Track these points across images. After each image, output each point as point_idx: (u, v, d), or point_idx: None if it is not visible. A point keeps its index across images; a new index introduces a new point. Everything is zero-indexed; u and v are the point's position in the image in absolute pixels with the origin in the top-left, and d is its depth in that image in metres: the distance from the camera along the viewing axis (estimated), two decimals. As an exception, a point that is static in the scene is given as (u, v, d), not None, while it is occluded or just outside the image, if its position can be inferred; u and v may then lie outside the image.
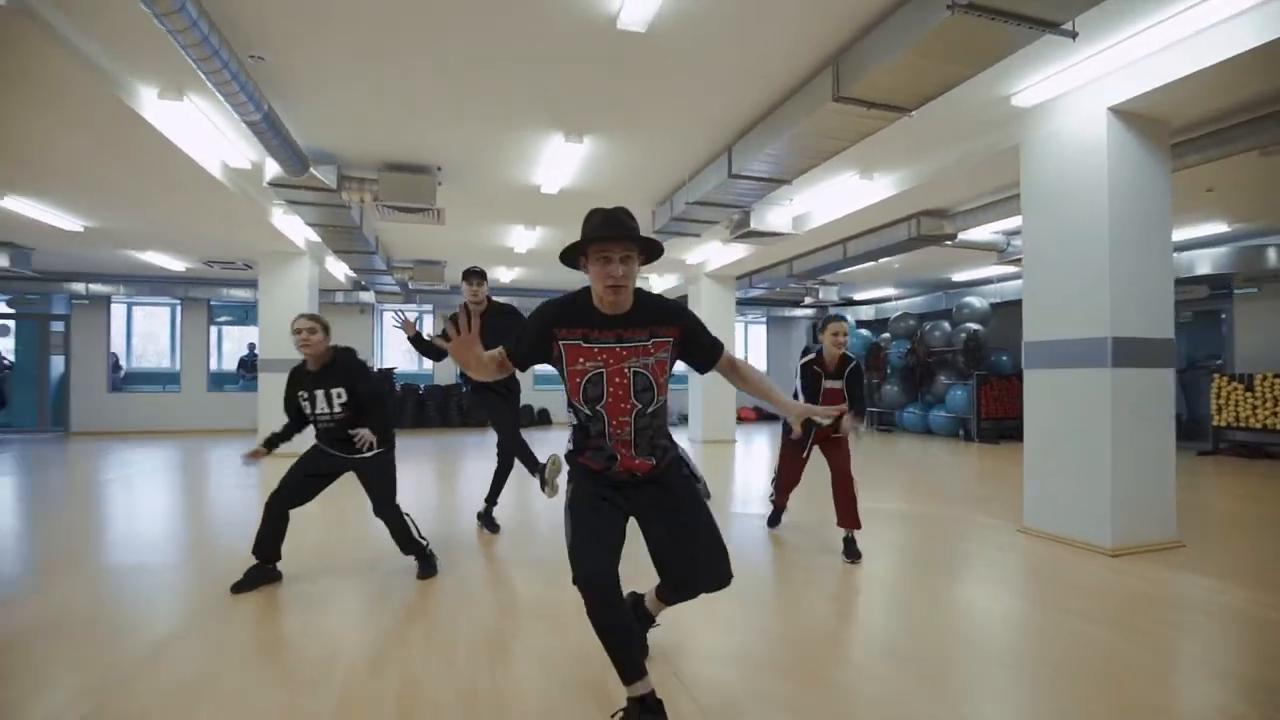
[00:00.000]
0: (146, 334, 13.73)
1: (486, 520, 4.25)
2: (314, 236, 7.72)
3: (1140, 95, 3.52)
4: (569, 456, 2.03)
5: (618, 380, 1.88)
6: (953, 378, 10.67)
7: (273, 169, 4.97)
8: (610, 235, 1.81)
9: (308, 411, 3.12)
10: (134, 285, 11.09)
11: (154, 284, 11.13)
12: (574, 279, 11.43)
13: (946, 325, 10.97)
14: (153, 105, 3.97)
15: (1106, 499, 3.60)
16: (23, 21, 2.91)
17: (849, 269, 9.34)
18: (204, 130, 4.53)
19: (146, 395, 11.82)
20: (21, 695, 2.10)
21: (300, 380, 3.13)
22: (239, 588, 3.04)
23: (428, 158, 5.29)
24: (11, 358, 11.77)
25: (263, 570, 3.13)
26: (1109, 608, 2.82)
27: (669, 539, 1.94)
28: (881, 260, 8.79)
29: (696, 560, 1.93)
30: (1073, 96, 3.85)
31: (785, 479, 4.03)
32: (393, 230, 7.96)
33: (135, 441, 9.91)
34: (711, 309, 9.80)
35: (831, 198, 6.30)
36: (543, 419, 13.08)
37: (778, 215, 6.34)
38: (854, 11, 3.14)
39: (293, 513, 3.14)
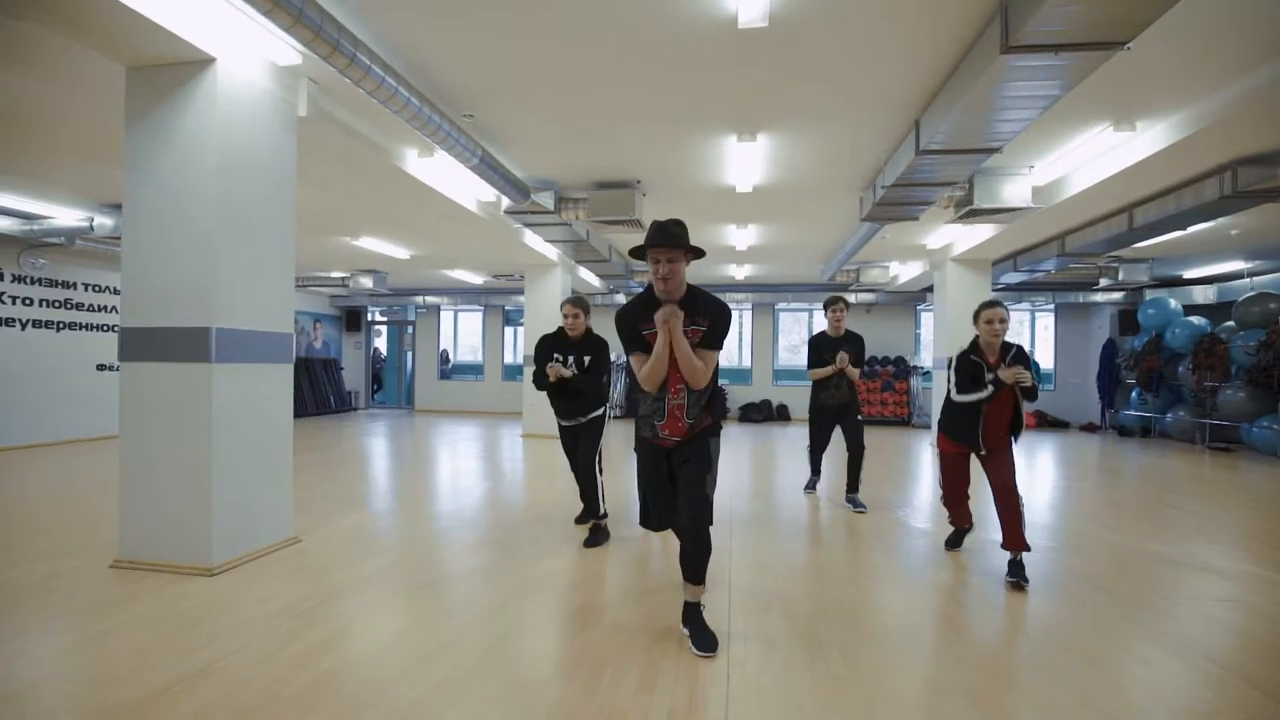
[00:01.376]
0: (468, 332, 17.34)
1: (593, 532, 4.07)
2: (560, 250, 8.95)
3: None
4: (636, 429, 2.72)
5: (673, 355, 2.50)
6: (1340, 381, 7.67)
7: (506, 200, 5.99)
8: (656, 242, 2.48)
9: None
10: (454, 296, 14.13)
11: (467, 295, 14.03)
12: (806, 274, 11.13)
13: (1330, 308, 7.92)
14: (414, 162, 5.15)
15: None
16: (326, 124, 4.10)
17: (1155, 240, 7.39)
18: (454, 176, 5.69)
19: (463, 383, 14.93)
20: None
21: (555, 345, 3.96)
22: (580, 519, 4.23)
23: (628, 173, 5.80)
24: (384, 353, 16.03)
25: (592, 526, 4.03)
26: None
27: (679, 486, 2.59)
28: (1199, 228, 6.81)
29: (683, 508, 2.53)
30: None
31: (949, 490, 3.61)
32: (623, 238, 8.79)
33: (453, 418, 12.66)
34: (961, 299, 8.65)
35: (1086, 159, 5.13)
36: (781, 414, 13.00)
37: (1012, 187, 5.39)
38: (1018, -54, 2.63)
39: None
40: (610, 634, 2.59)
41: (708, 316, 2.52)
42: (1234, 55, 3.55)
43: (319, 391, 13.32)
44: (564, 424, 4.08)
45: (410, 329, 15.16)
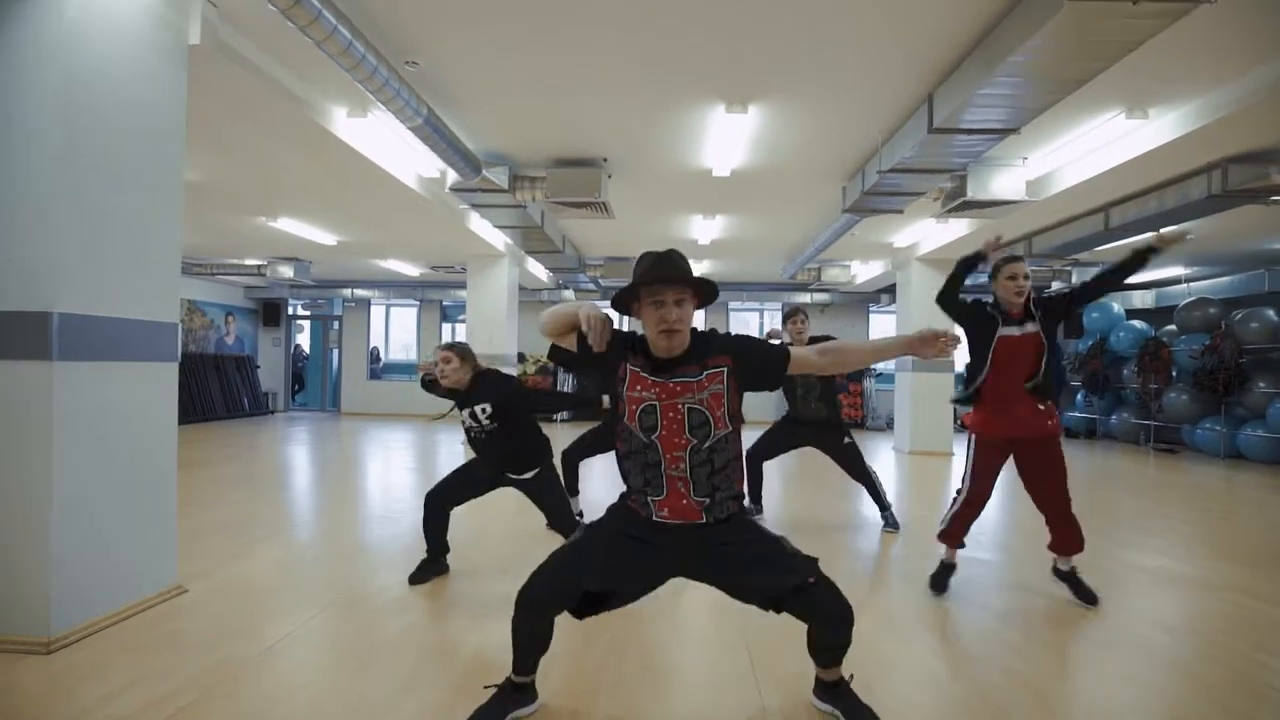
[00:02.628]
0: (402, 329, 16.13)
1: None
2: (510, 240, 8.18)
3: None
4: (621, 498, 1.91)
5: (671, 414, 1.77)
6: (1278, 384, 7.90)
7: (454, 175, 5.22)
8: (663, 277, 1.75)
9: (464, 422, 3.15)
10: (386, 289, 13.01)
11: (399, 288, 12.94)
12: (766, 272, 10.77)
13: (1271, 313, 8.16)
14: (343, 122, 4.32)
15: None
16: (227, 62, 3.25)
17: (1115, 244, 7.34)
18: (392, 144, 4.87)
19: (395, 383, 13.80)
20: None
21: (451, 396, 3.19)
22: (414, 579, 3.13)
23: (593, 150, 5.15)
24: (307, 350, 14.68)
25: (434, 562, 3.21)
26: None
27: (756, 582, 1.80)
28: (1165, 230, 6.75)
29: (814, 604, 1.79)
30: None
31: (972, 503, 2.99)
32: (580, 228, 8.11)
33: (383, 422, 11.57)
34: (924, 300, 8.44)
35: (1084, 150, 4.86)
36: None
37: (1005, 179, 5.08)
38: None
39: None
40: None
41: (723, 352, 1.81)
42: (1247, 50, 3.29)
43: (230, 392, 11.96)
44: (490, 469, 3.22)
45: (336, 324, 13.91)
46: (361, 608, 2.85)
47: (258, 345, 13.43)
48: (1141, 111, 4.14)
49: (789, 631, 2.09)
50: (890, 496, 4.52)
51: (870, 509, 4.60)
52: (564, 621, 1.93)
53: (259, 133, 4.35)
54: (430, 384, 3.30)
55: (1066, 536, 2.95)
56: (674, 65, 3.72)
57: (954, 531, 3.04)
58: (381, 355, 14.61)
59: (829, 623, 1.81)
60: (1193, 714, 2.08)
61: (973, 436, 3.00)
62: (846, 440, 4.29)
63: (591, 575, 1.80)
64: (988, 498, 3.00)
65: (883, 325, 13.02)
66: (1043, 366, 2.85)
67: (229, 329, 12.60)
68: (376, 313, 14.30)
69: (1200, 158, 4.63)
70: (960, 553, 3.17)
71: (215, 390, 11.58)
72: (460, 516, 3.36)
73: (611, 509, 1.92)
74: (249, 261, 10.45)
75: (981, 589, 3.18)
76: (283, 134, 4.32)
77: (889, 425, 11.38)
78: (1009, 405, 2.88)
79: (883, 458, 8.34)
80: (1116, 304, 10.83)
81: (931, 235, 7.78)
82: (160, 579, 2.81)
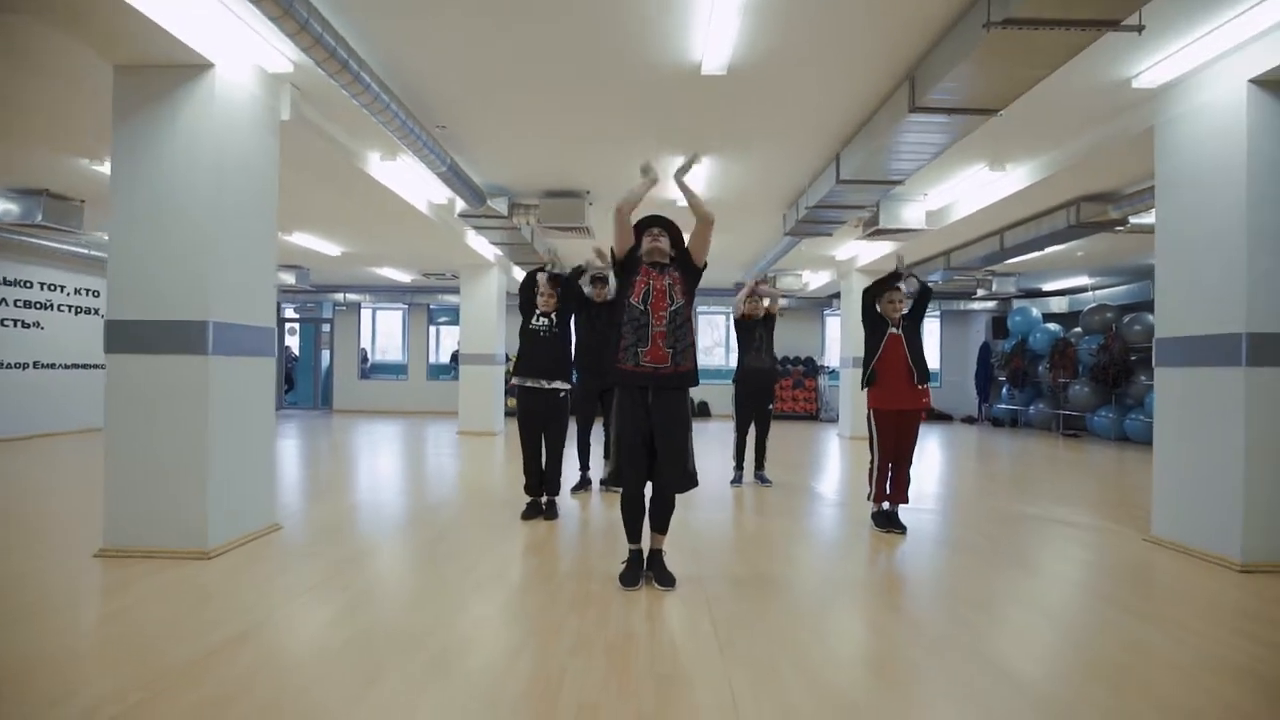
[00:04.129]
0: (387, 332, 16.95)
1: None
2: (499, 251, 9.20)
3: (1288, 64, 3.20)
4: (615, 371, 3.00)
5: (657, 290, 2.99)
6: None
7: (460, 204, 6.26)
8: (649, 222, 3.16)
9: (534, 323, 4.30)
10: (376, 294, 13.88)
11: (390, 293, 13.83)
12: (728, 279, 11.95)
13: (1150, 318, 9.59)
14: (376, 165, 5.34)
15: (1238, 510, 3.34)
16: (304, 129, 4.26)
17: (1020, 259, 8.68)
18: (411, 179, 5.89)
19: (384, 382, 14.65)
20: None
21: (534, 304, 4.37)
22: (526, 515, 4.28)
23: (578, 184, 6.24)
24: (297, 352, 15.42)
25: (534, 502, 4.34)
26: (1227, 623, 2.71)
27: (658, 446, 2.96)
28: (1053, 250, 8.10)
29: (664, 465, 2.94)
30: (1205, 72, 3.56)
31: (881, 464, 4.10)
32: (568, 244, 9.15)
33: (374, 418, 12.45)
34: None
35: (968, 190, 6.12)
36: (703, 410, 13.77)
37: (910, 211, 6.31)
38: (919, 29, 3.33)
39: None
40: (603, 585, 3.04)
41: (674, 262, 3.06)
42: (1076, 119, 4.52)
43: (229, 391, 12.66)
44: (529, 386, 4.26)
45: (327, 327, 14.70)
46: (415, 533, 3.90)
47: (252, 347, 14.12)
48: (1000, 165, 5.40)
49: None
50: (835, 471, 5.72)
51: (821, 484, 5.76)
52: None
53: (305, 172, 5.33)
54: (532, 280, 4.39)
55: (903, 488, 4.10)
56: (643, 131, 4.82)
57: (879, 492, 4.14)
58: (370, 356, 15.43)
59: (661, 508, 3.05)
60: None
61: (871, 411, 4.14)
62: (771, 406, 5.70)
63: (639, 444, 2.94)
64: (889, 458, 4.10)
65: (836, 327, 14.32)
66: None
67: (226, 331, 13.28)
68: (365, 315, 15.12)
69: (1055, 198, 5.92)
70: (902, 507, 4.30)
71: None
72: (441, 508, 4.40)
73: (616, 396, 3.00)
74: (252, 269, 11.22)
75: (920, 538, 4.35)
76: (325, 173, 5.31)
77: (838, 417, 12.65)
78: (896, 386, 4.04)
79: (831, 443, 9.57)
80: (1035, 309, 12.28)
81: (865, 251, 9.04)
82: (266, 517, 3.82)
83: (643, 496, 3.03)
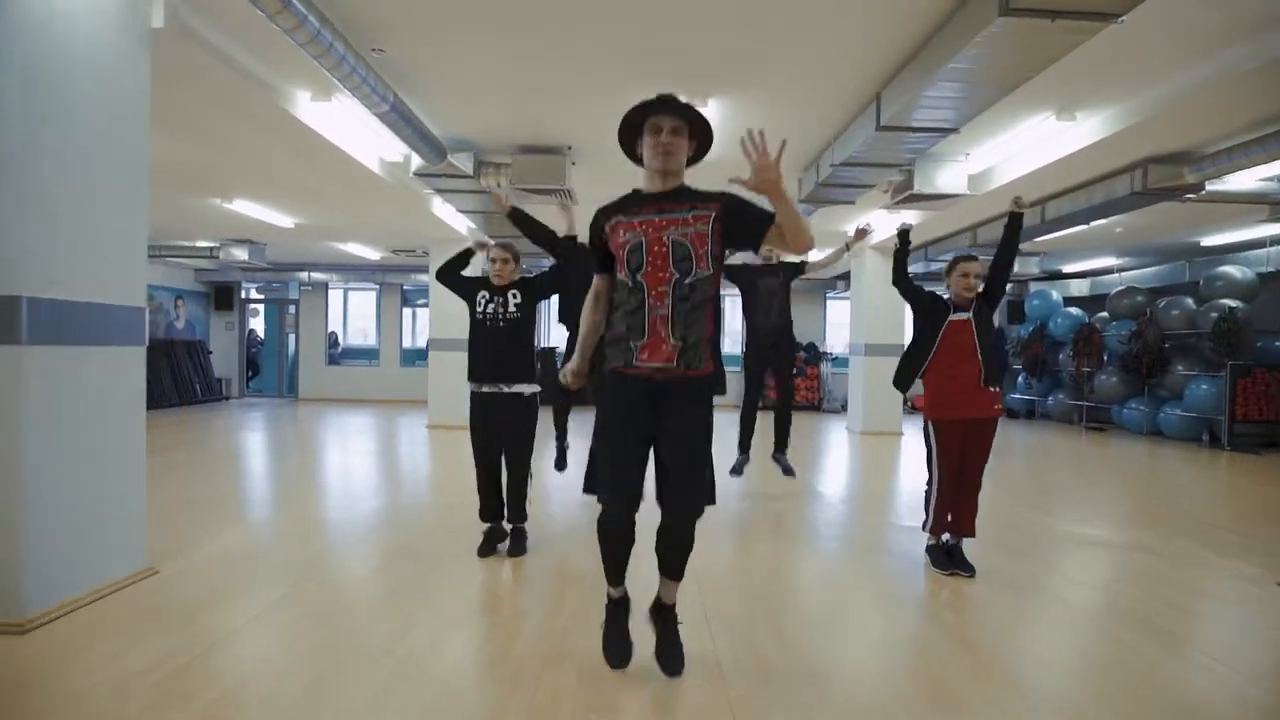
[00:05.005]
0: (360, 314, 15.87)
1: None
2: (472, 224, 8.18)
3: None
4: (603, 365, 2.07)
5: (656, 249, 1.93)
6: (1195, 368, 8.53)
7: (418, 160, 5.24)
8: (660, 105, 1.98)
9: (479, 311, 3.30)
10: (344, 273, 12.79)
11: (359, 271, 12.74)
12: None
13: (1190, 302, 8.77)
14: (307, 106, 4.31)
15: None
16: (189, 45, 3.23)
17: (1051, 235, 7.80)
18: (356, 129, 4.86)
19: (354, 369, 13.62)
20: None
21: (484, 285, 3.35)
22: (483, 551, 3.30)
23: (558, 138, 5.24)
24: (262, 335, 14.33)
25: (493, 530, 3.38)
26: None
27: (668, 459, 2.00)
28: (1095, 224, 7.20)
29: (679, 484, 1.99)
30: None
31: (944, 488, 3.12)
32: (547, 214, 8.14)
33: (344, 408, 11.45)
34: (876, 286, 8.82)
35: (1020, 148, 5.19)
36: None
37: (949, 174, 5.37)
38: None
39: None
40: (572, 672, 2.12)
41: (712, 199, 1.96)
42: (1167, 58, 3.59)
43: (181, 378, 11.63)
44: (479, 390, 3.30)
45: (293, 308, 13.60)
46: (328, 584, 2.95)
47: (210, 330, 13.05)
48: (1070, 114, 4.46)
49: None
50: (843, 472, 4.81)
51: (823, 482, 4.88)
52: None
53: (216, 114, 4.29)
54: (459, 260, 3.48)
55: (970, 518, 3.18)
56: (637, 58, 3.84)
57: (939, 521, 3.16)
58: (340, 339, 14.37)
59: (676, 544, 2.05)
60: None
61: (930, 422, 3.15)
62: (794, 370, 4.68)
63: (630, 464, 1.97)
64: (955, 481, 3.10)
65: (839, 310, 13.42)
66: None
67: (179, 313, 12.21)
68: (335, 296, 14.04)
69: (1123, 158, 5.00)
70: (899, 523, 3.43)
71: (166, 377, 11.24)
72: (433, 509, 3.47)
73: (605, 394, 2.06)
74: (200, 243, 10.14)
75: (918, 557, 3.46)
76: (243, 116, 4.28)
77: (844, 408, 11.81)
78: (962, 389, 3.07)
79: (836, 438, 8.72)
80: (1055, 292, 11.44)
81: (882, 225, 8.10)
82: (131, 561, 2.86)
83: (630, 520, 2.02)
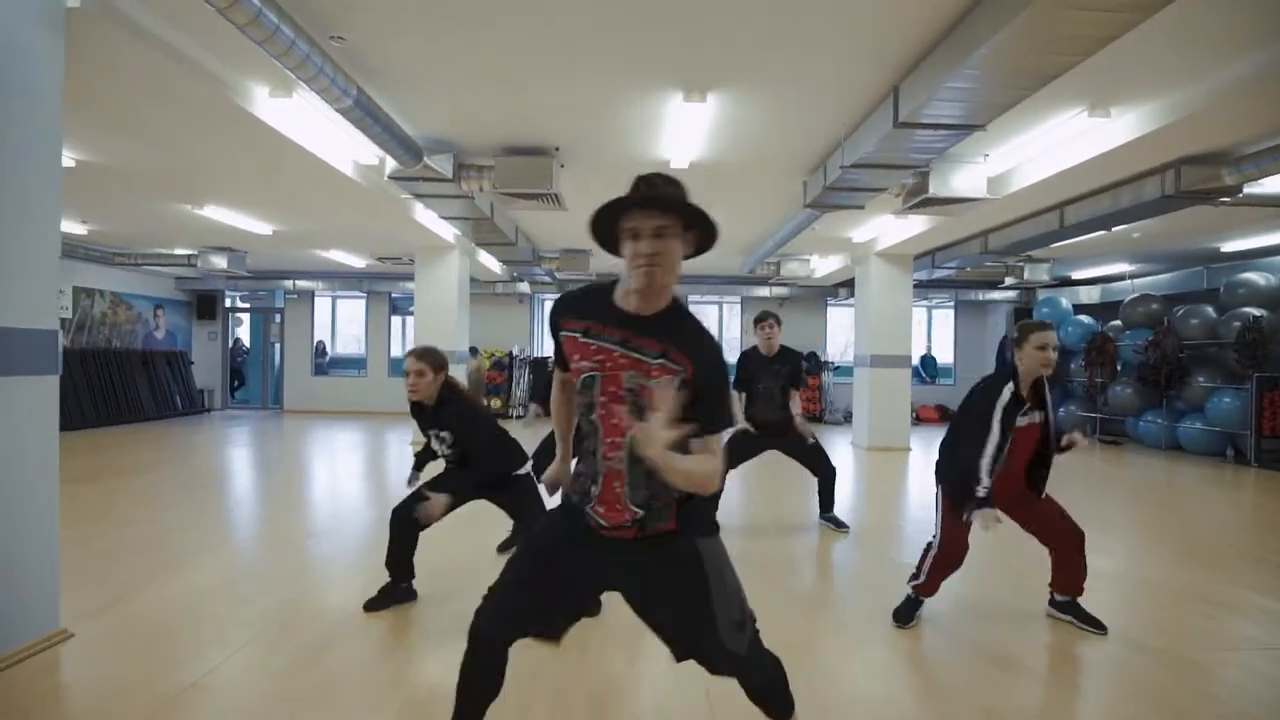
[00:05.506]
0: (351, 320, 15.44)
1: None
2: (458, 230, 7.79)
3: None
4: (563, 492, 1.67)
5: (611, 389, 1.48)
6: (1217, 379, 8.16)
7: (393, 162, 4.85)
8: (639, 200, 1.42)
9: (434, 444, 2.95)
10: (330, 281, 12.39)
11: (345, 280, 12.35)
12: (725, 265, 10.62)
13: (1210, 310, 8.41)
14: (265, 103, 3.92)
15: None
16: (118, 30, 2.85)
17: (1069, 241, 7.42)
18: (323, 128, 4.47)
19: (341, 379, 13.21)
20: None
21: (418, 415, 2.93)
22: (372, 605, 2.84)
23: (544, 138, 4.86)
24: (247, 344, 13.91)
25: (396, 588, 2.90)
26: None
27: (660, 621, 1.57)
28: (1116, 229, 6.83)
29: (691, 639, 1.54)
30: None
31: (948, 556, 2.72)
32: (532, 219, 7.77)
33: (330, 420, 11.01)
34: (882, 295, 8.44)
35: (1045, 148, 4.81)
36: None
37: (966, 176, 4.99)
38: None
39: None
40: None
41: (690, 356, 1.46)
42: (1209, 51, 3.24)
43: (161, 390, 11.19)
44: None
45: (278, 317, 13.18)
46: (293, 639, 2.55)
47: (191, 340, 12.63)
48: (1104, 110, 4.08)
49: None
50: (846, 494, 4.43)
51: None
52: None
53: (169, 112, 3.91)
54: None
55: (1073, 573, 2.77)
56: (629, 50, 3.46)
57: (931, 585, 2.77)
58: (328, 349, 13.96)
59: (761, 693, 1.62)
60: None
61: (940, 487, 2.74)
62: (811, 441, 4.18)
63: (543, 595, 1.56)
64: (964, 551, 2.71)
65: (840, 318, 13.04)
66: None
67: (158, 323, 11.79)
68: (322, 305, 13.64)
69: (1157, 157, 4.63)
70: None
71: (144, 389, 10.82)
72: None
73: (557, 510, 1.65)
74: (178, 251, 9.74)
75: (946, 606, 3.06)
76: (197, 114, 3.90)
77: (846, 419, 11.42)
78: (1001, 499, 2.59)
79: (840, 453, 8.32)
80: (1065, 299, 11.07)
81: (890, 231, 7.73)
82: (37, 624, 2.44)
83: (502, 647, 1.57)
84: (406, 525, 2.79)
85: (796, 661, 1.83)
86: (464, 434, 2.83)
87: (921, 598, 2.81)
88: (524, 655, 1.66)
